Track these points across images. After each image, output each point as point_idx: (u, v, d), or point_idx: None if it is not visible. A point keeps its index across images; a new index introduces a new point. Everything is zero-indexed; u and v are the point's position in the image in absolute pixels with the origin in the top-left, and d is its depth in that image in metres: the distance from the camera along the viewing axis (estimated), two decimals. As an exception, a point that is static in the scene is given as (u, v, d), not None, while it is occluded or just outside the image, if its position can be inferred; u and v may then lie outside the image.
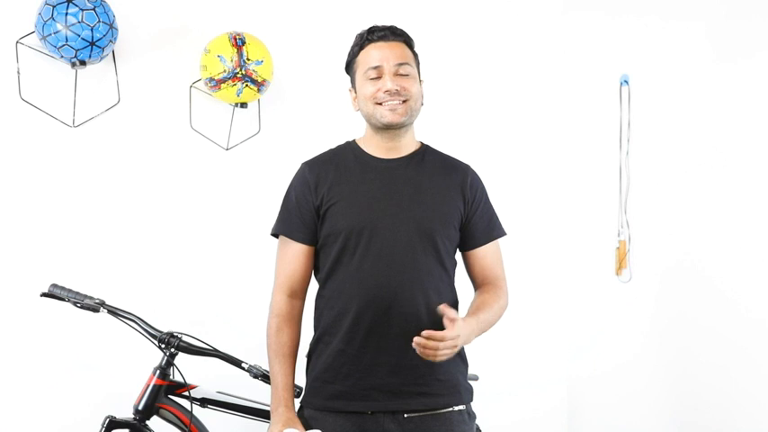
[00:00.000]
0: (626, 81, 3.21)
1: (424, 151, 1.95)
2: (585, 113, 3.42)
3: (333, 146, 2.00)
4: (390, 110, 1.82)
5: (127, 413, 2.14)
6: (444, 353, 1.67)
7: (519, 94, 3.41)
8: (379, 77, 1.83)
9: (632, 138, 3.21)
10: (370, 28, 1.88)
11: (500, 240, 1.99)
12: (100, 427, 2.08)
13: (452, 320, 1.69)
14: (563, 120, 3.49)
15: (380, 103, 1.82)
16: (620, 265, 3.24)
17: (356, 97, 1.90)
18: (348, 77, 1.95)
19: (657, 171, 3.11)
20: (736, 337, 2.81)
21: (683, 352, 3.02)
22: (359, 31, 1.90)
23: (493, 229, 1.96)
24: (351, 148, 1.94)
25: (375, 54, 1.84)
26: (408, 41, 1.90)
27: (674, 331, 3.05)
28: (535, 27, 3.46)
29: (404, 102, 1.83)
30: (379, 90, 1.82)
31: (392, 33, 1.87)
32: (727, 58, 2.85)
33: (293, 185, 1.93)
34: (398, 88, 1.81)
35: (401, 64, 1.83)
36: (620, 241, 3.25)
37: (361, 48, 1.87)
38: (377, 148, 1.90)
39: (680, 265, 3.02)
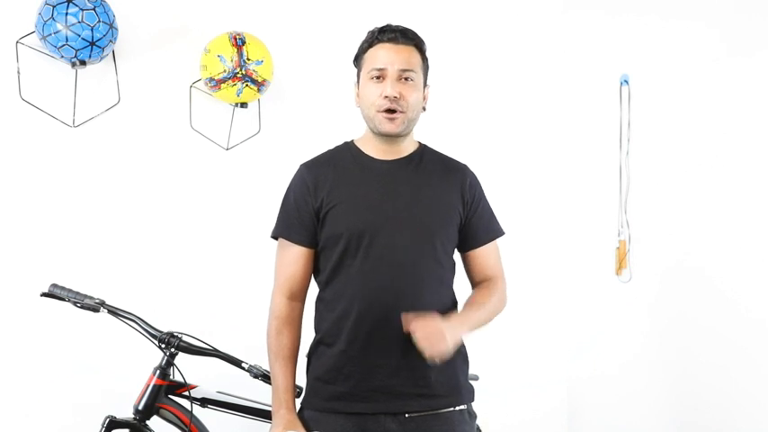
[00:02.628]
0: (626, 81, 3.22)
1: (423, 152, 1.94)
2: (585, 113, 3.42)
3: (332, 146, 1.99)
4: (388, 120, 1.81)
5: (127, 413, 2.14)
6: (436, 334, 1.68)
7: (519, 94, 3.41)
8: (381, 80, 1.81)
9: (632, 138, 3.21)
10: (383, 27, 1.85)
11: (500, 240, 1.99)
12: (100, 427, 2.08)
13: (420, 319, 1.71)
14: (563, 120, 3.49)
15: (380, 111, 1.81)
16: (620, 265, 3.24)
17: (359, 93, 1.89)
18: (355, 71, 1.93)
19: (657, 171, 3.11)
20: (736, 337, 2.81)
21: (682, 352, 3.02)
22: (372, 28, 1.88)
23: (491, 230, 1.96)
24: (349, 149, 1.93)
25: (382, 55, 1.82)
26: (419, 46, 1.87)
27: (674, 331, 3.05)
28: (535, 27, 3.46)
29: (401, 112, 1.81)
30: (380, 95, 1.80)
31: (403, 36, 1.84)
32: (727, 57, 2.85)
33: (292, 187, 1.93)
34: (398, 95, 1.80)
35: (405, 70, 1.81)
36: (620, 241, 3.25)
37: (371, 45, 1.85)
38: (375, 149, 1.90)
39: (680, 265, 3.02)
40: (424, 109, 1.91)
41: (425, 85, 1.90)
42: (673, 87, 3.04)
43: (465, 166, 1.98)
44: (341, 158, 1.92)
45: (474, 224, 1.92)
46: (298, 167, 1.95)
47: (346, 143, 1.96)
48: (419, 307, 1.79)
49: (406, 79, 1.81)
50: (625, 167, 3.23)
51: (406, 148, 1.91)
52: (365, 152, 1.90)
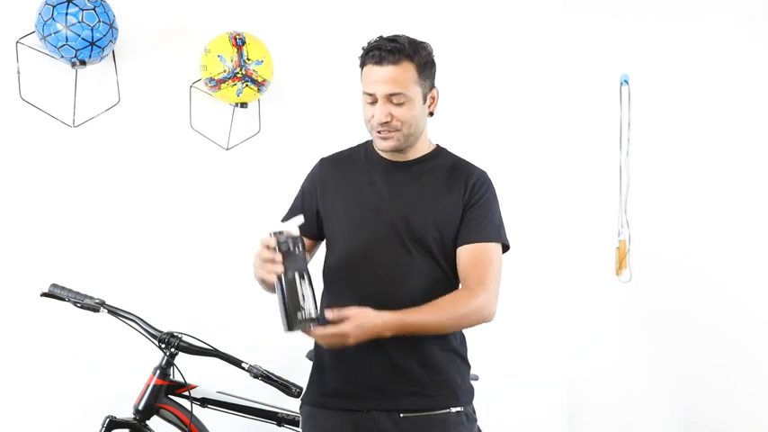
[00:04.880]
0: (626, 81, 3.21)
1: (436, 154, 1.92)
2: (585, 113, 3.42)
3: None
4: (382, 138, 1.81)
5: (127, 413, 2.14)
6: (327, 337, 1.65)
7: (519, 95, 3.41)
8: (374, 103, 1.79)
9: (632, 138, 3.21)
10: (369, 46, 1.80)
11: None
12: (100, 426, 2.08)
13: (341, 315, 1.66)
14: (563, 120, 3.49)
15: (374, 130, 1.81)
16: (620, 265, 3.24)
17: None
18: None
19: (657, 171, 3.11)
20: (737, 337, 2.81)
21: (682, 352, 3.02)
22: (368, 40, 1.83)
23: (480, 232, 1.85)
24: (365, 149, 1.94)
25: (370, 78, 1.78)
26: (411, 56, 1.78)
27: (674, 331, 3.05)
28: (535, 27, 3.46)
29: (396, 131, 1.79)
30: (372, 117, 1.79)
31: (389, 54, 1.76)
32: (727, 57, 2.85)
33: (307, 178, 1.97)
34: (389, 119, 1.77)
35: (392, 95, 1.76)
36: (620, 241, 3.25)
37: (363, 64, 1.82)
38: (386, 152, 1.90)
39: (680, 264, 3.02)
40: (431, 114, 1.88)
41: (432, 87, 1.86)
42: (673, 87, 3.04)
43: (475, 168, 1.92)
44: (355, 158, 1.93)
45: (465, 223, 1.85)
46: (317, 160, 1.97)
47: (367, 141, 1.96)
48: (414, 306, 1.79)
49: (396, 102, 1.77)
50: (625, 167, 3.23)
51: (418, 151, 1.89)
52: (378, 152, 1.91)
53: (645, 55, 3.15)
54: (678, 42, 3.01)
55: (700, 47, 2.94)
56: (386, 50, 1.76)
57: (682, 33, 3.00)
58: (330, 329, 1.63)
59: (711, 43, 2.90)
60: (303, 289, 1.63)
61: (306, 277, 1.65)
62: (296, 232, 1.68)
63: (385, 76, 1.76)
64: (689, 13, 2.99)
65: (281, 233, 1.67)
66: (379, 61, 1.76)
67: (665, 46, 3.07)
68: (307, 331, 1.64)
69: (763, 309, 2.73)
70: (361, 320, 1.65)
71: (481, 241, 1.84)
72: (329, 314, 1.64)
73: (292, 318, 1.61)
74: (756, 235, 2.75)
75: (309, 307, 1.63)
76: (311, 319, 1.62)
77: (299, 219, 1.71)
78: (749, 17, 2.78)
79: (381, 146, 1.83)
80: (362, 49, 1.82)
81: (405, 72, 1.77)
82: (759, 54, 2.75)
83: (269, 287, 1.73)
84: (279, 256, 1.65)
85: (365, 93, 1.80)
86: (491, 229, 1.86)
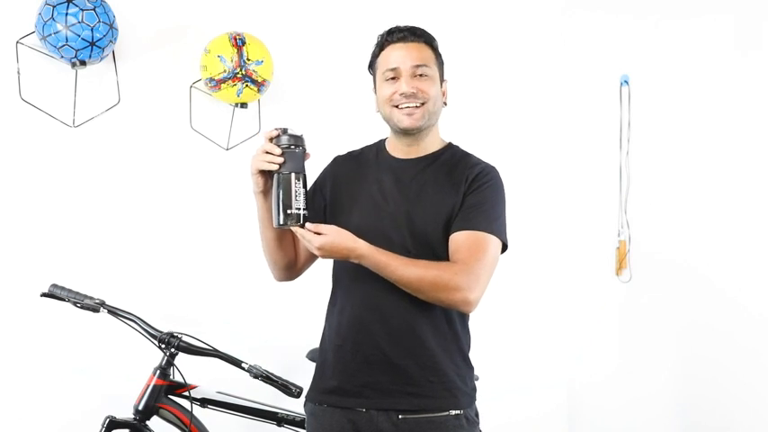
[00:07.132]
0: (626, 81, 3.22)
1: (446, 151, 1.91)
2: (585, 113, 3.42)
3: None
4: (407, 114, 1.80)
5: (127, 413, 2.14)
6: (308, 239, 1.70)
7: (519, 94, 3.41)
8: (396, 79, 1.81)
9: (632, 138, 3.21)
10: (391, 29, 1.85)
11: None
12: (100, 427, 2.08)
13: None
14: (563, 120, 3.49)
15: (397, 107, 1.80)
16: (620, 265, 3.24)
17: (376, 96, 1.89)
18: (370, 78, 1.93)
19: (657, 171, 3.11)
20: (738, 337, 2.81)
21: (683, 352, 3.02)
22: (381, 31, 1.87)
23: (470, 220, 1.80)
24: (376, 148, 1.95)
25: (393, 55, 1.82)
26: (430, 42, 1.86)
27: (675, 331, 3.05)
28: (535, 27, 3.46)
29: (421, 105, 1.80)
30: (395, 92, 1.80)
31: (412, 34, 1.83)
32: (726, 57, 2.86)
33: (321, 174, 1.98)
34: (414, 91, 1.79)
35: (418, 66, 1.80)
36: (620, 241, 3.25)
37: (382, 49, 1.85)
38: (397, 148, 1.89)
39: (680, 264, 3.02)
40: (444, 104, 1.90)
41: (442, 80, 1.89)
42: (673, 87, 3.04)
43: (479, 162, 1.89)
44: (366, 157, 1.94)
45: (460, 211, 1.81)
46: (333, 157, 2.00)
47: (380, 140, 1.97)
48: (412, 306, 1.79)
49: (420, 75, 1.81)
50: (625, 167, 3.23)
51: (429, 147, 1.89)
52: (388, 150, 1.91)
53: (645, 55, 3.15)
54: (678, 42, 3.02)
55: (699, 47, 2.94)
56: (409, 31, 1.84)
57: (682, 33, 3.01)
58: (306, 233, 1.69)
59: (711, 43, 2.90)
60: (297, 188, 1.72)
61: (301, 178, 1.73)
62: (300, 132, 1.75)
63: (410, 50, 1.82)
64: (689, 13, 2.99)
65: (285, 129, 1.75)
66: (403, 38, 1.83)
67: (665, 46, 3.07)
68: (293, 228, 1.71)
69: (763, 308, 2.73)
70: (334, 239, 1.69)
71: (472, 229, 1.78)
72: (309, 225, 1.70)
73: (283, 213, 1.70)
74: (756, 234, 2.75)
75: (300, 206, 1.71)
76: (299, 219, 1.70)
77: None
78: (749, 17, 2.78)
79: (405, 123, 1.80)
80: (379, 36, 1.86)
81: (426, 51, 1.85)
82: (759, 54, 2.75)
83: (264, 205, 1.86)
84: (278, 150, 1.73)
85: (387, 70, 1.82)
86: (484, 219, 1.80)
